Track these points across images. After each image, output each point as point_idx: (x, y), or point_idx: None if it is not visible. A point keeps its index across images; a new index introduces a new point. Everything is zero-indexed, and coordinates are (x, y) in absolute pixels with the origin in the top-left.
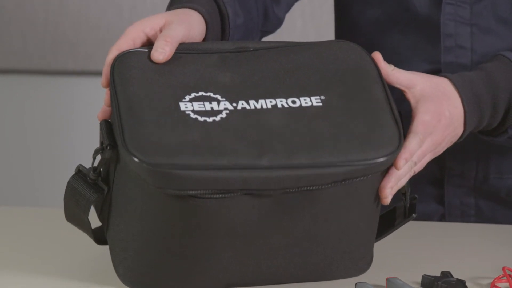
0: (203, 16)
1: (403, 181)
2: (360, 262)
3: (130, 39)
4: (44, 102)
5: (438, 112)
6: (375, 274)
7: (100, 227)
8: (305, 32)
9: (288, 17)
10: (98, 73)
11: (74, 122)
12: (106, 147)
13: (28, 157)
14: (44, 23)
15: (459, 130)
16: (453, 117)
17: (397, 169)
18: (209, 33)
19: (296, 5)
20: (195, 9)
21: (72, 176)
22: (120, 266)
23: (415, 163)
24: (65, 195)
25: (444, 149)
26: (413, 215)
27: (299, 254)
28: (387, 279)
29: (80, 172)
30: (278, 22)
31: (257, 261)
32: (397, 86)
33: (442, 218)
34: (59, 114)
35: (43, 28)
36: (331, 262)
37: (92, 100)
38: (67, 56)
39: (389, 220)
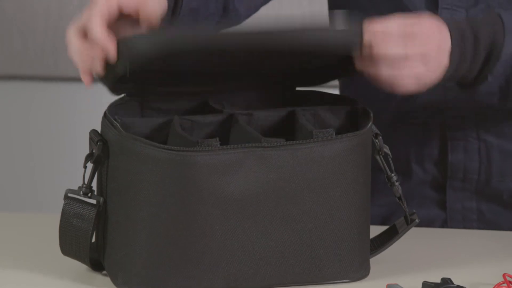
0: None
1: (393, 45)
2: (355, 260)
3: (106, 9)
4: (45, 108)
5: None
6: (375, 281)
7: (94, 253)
8: None
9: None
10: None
11: (75, 128)
12: (97, 142)
13: (30, 163)
14: (44, 29)
15: (446, 47)
16: (441, 29)
17: None
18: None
19: (295, 9)
20: None
21: (64, 204)
22: (120, 272)
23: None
24: (60, 224)
25: (433, 57)
26: (416, 220)
27: (292, 233)
28: (388, 286)
29: (69, 197)
30: (236, 20)
31: (251, 241)
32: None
33: (444, 224)
34: (60, 120)
35: (43, 34)
36: (325, 252)
37: (92, 106)
38: (68, 62)
39: (391, 233)
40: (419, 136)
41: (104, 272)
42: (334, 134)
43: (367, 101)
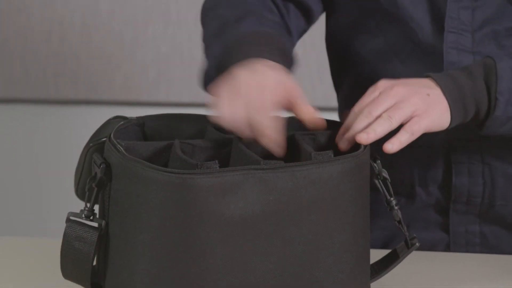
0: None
1: (379, 131)
2: (355, 282)
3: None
4: (46, 132)
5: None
6: None
7: (95, 277)
8: (306, 61)
9: None
10: (100, 103)
11: (76, 151)
12: (100, 165)
13: (31, 187)
14: (45, 53)
15: (441, 100)
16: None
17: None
18: None
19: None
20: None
21: (66, 227)
22: None
23: (370, 111)
24: (62, 247)
25: (423, 104)
26: (416, 244)
27: (292, 255)
28: None
29: (71, 220)
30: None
31: (251, 263)
32: None
33: (447, 247)
34: (61, 144)
35: (44, 58)
36: (324, 275)
37: (93, 129)
38: (69, 86)
39: (392, 257)
40: (423, 159)
41: None
42: (332, 156)
43: None
